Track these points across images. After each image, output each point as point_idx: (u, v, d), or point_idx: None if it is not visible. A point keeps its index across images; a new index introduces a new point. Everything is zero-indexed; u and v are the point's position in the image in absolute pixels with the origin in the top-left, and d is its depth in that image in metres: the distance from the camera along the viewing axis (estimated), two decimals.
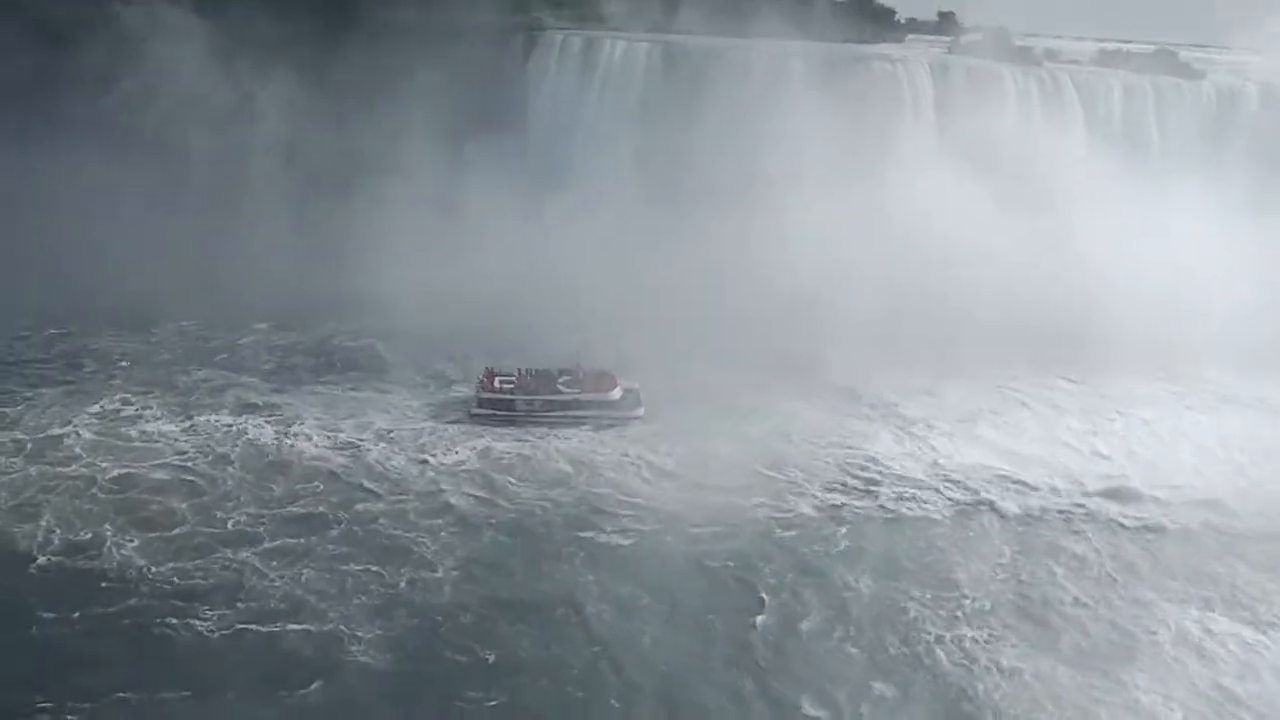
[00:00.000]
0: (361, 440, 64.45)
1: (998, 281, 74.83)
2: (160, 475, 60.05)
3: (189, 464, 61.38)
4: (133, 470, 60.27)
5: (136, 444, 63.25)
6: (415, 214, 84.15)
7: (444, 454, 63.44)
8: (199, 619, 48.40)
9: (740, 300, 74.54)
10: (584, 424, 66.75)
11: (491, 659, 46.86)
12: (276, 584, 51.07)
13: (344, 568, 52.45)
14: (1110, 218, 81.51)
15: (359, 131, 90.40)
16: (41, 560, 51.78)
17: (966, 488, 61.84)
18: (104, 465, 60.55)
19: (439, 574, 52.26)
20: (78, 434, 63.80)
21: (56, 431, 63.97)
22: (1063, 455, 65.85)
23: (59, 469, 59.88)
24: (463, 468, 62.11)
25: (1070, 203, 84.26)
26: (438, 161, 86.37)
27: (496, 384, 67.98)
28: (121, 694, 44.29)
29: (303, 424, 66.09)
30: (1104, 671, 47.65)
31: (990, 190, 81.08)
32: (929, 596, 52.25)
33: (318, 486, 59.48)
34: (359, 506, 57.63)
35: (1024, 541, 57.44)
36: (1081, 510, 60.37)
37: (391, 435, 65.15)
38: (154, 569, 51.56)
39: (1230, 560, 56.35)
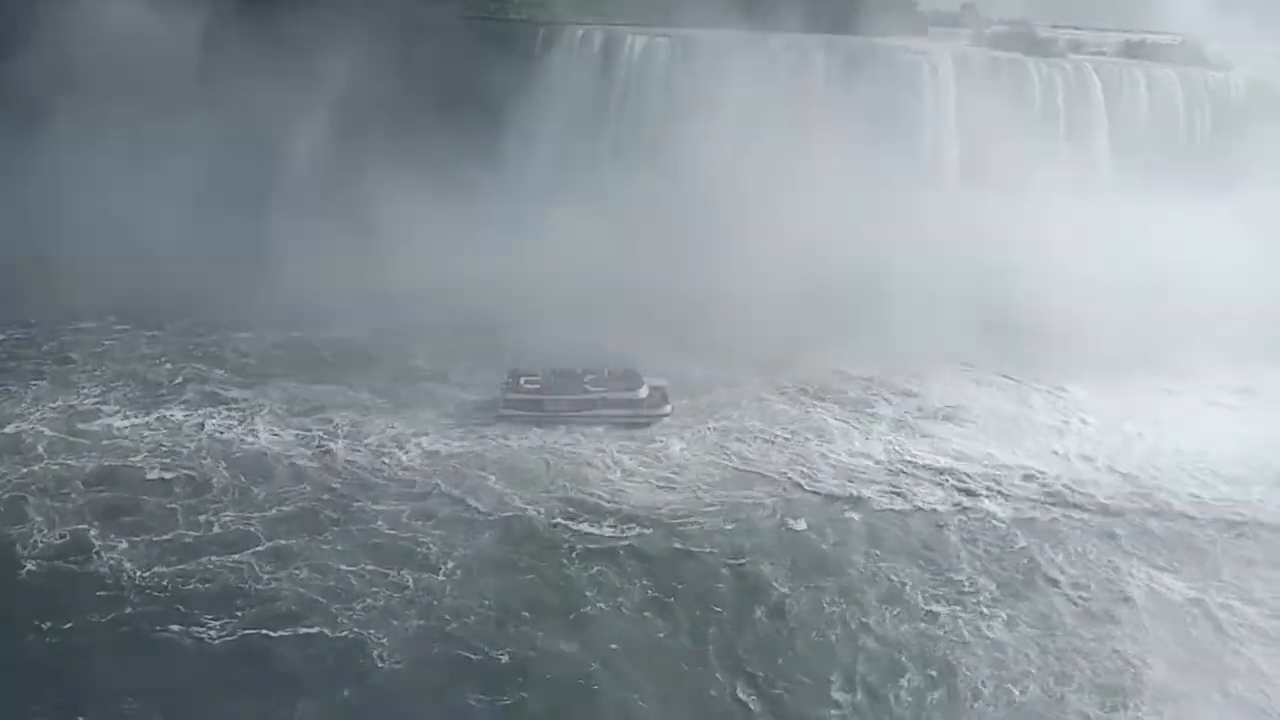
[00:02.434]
0: (365, 438, 66.58)
1: (1016, 281, 78.86)
2: (138, 474, 61.76)
3: (168, 461, 63.15)
4: (108, 467, 62.03)
5: (105, 441, 64.96)
6: (412, 209, 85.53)
7: (454, 451, 65.64)
8: (200, 625, 49.97)
9: (751, 298, 77.34)
10: (611, 423, 69.28)
11: (504, 659, 49.04)
12: (274, 587, 52.69)
13: (345, 569, 54.23)
14: (1131, 213, 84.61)
15: (360, 127, 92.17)
16: (30, 566, 53.22)
17: (957, 485, 64.60)
18: (75, 463, 62.16)
19: (440, 576, 54.25)
20: (41, 431, 65.44)
21: (19, 428, 65.73)
22: (1036, 452, 68.57)
23: (30, 467, 61.54)
24: (468, 466, 64.18)
25: (1091, 198, 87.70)
26: (442, 154, 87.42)
27: (523, 383, 70.37)
28: (125, 706, 45.72)
29: (298, 422, 68.16)
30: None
31: (1011, 187, 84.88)
32: (925, 577, 55.80)
33: (305, 488, 61.25)
34: (355, 506, 59.59)
35: (1008, 534, 60.34)
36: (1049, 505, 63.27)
37: (406, 435, 66.98)
38: (145, 573, 53.18)
39: None
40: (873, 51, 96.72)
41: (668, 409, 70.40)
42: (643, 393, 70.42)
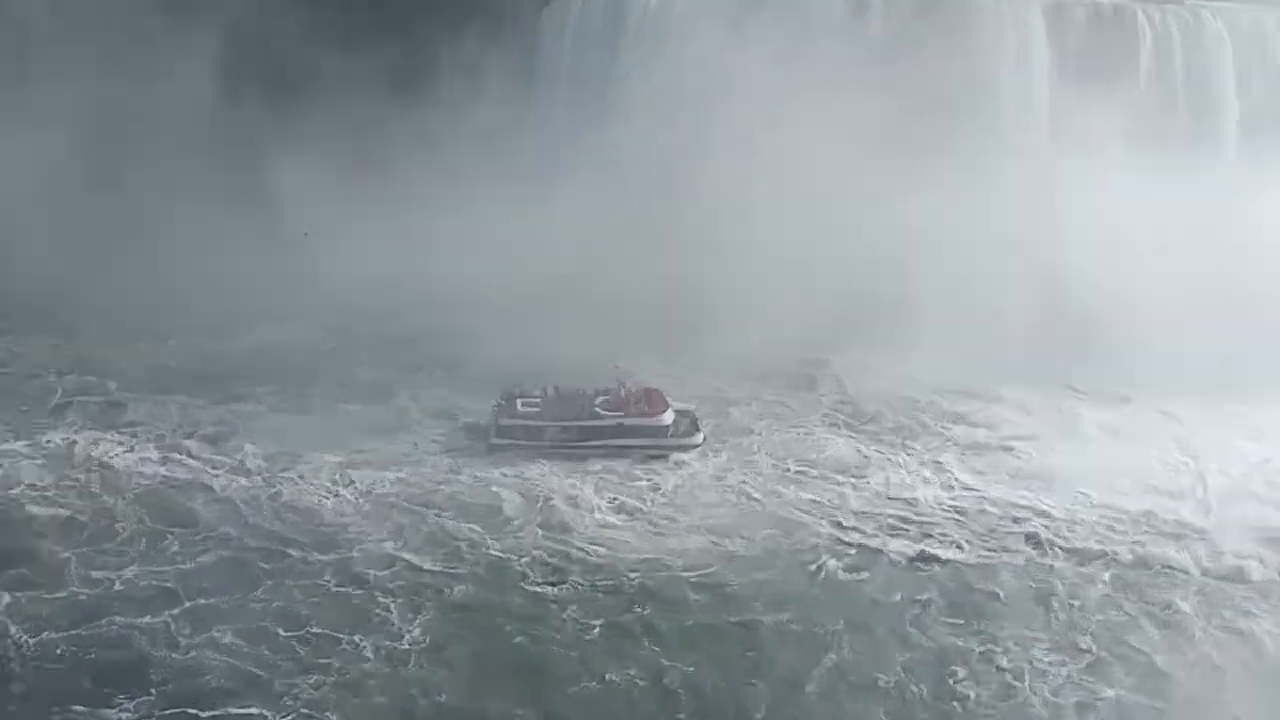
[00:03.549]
0: (300, 471, 59.50)
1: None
2: (19, 512, 54.65)
3: (55, 497, 55.95)
4: None
5: None
6: (347, 198, 78.86)
7: (412, 488, 58.50)
8: (108, 705, 43.24)
9: (766, 297, 70.44)
10: (629, 454, 61.69)
11: None
12: (195, 656, 45.58)
13: (285, 634, 47.13)
14: (1260, 198, 76.35)
15: (286, 95, 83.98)
16: None
17: (1026, 531, 57.99)
18: None
19: (404, 644, 47.17)
20: None
21: None
22: (1121, 490, 61.68)
23: None
24: (430, 506, 57.15)
25: (1212, 181, 78.95)
26: (393, 133, 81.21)
27: (519, 406, 62.40)
28: None
29: (215, 449, 61.31)
30: None
31: (1111, 165, 75.91)
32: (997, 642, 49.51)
33: (229, 532, 54.01)
34: (295, 555, 52.35)
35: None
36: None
37: (353, 467, 59.88)
38: (34, 639, 46.42)
39: None
40: None
41: (698, 438, 63.27)
42: (667, 418, 63.00)
